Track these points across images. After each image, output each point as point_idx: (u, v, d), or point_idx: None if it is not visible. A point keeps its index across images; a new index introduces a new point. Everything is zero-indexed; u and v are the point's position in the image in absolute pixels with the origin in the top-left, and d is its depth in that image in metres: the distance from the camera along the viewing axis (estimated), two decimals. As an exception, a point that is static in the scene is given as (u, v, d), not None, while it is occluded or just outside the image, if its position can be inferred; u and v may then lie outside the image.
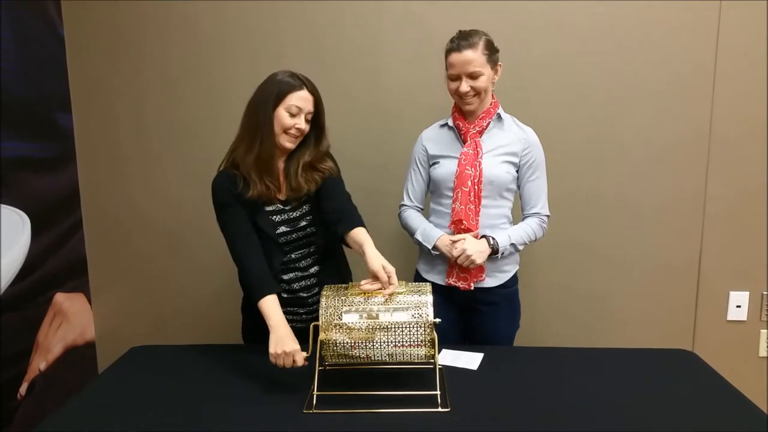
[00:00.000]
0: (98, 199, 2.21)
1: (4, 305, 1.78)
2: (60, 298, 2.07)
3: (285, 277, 1.53)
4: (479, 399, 1.29)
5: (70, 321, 2.14)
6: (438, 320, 1.28)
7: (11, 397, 1.83)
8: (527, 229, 1.66)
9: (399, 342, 1.27)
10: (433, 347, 1.28)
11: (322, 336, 1.28)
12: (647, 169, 2.12)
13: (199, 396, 1.32)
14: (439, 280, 1.69)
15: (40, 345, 1.96)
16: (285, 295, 1.52)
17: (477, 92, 1.59)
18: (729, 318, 2.20)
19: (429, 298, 1.30)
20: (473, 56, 1.55)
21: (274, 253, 1.49)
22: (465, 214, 1.61)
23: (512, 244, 1.62)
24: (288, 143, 1.46)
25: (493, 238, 1.60)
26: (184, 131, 2.16)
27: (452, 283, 1.65)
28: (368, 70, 2.10)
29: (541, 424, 1.19)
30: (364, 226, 1.48)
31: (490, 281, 1.68)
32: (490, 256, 1.60)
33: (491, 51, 1.59)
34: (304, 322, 1.54)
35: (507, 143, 1.65)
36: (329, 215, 1.51)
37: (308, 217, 1.54)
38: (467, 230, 1.61)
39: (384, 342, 1.27)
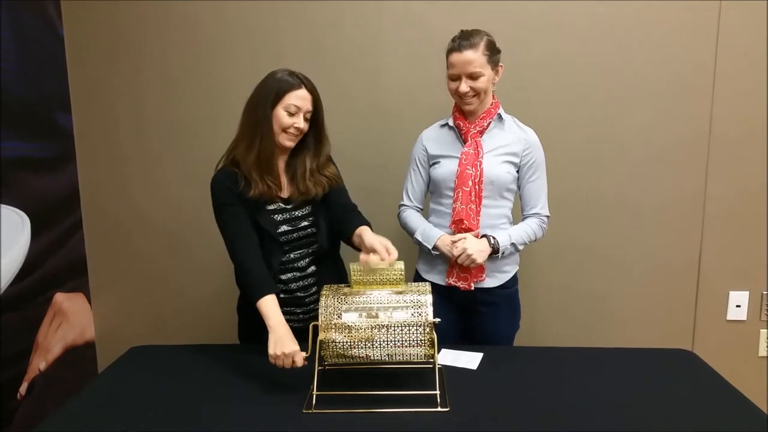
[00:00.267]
0: (98, 199, 2.21)
1: (4, 305, 1.78)
2: (60, 298, 2.07)
3: (283, 277, 1.53)
4: (479, 399, 1.29)
5: (70, 321, 2.14)
6: (437, 320, 1.28)
7: (11, 397, 1.83)
8: (527, 230, 1.66)
9: (398, 342, 1.27)
10: (433, 347, 1.28)
11: (321, 336, 1.28)
12: (647, 169, 2.12)
13: (199, 396, 1.32)
14: (439, 280, 1.69)
15: (39, 345, 1.96)
16: (283, 296, 1.52)
17: (476, 93, 1.59)
18: (729, 318, 2.20)
19: (429, 298, 1.30)
20: (474, 57, 1.55)
21: (273, 252, 1.49)
22: (466, 213, 1.61)
23: (512, 244, 1.62)
24: (287, 142, 1.46)
25: (493, 238, 1.60)
26: (184, 131, 2.16)
27: (452, 283, 1.65)
28: (368, 70, 2.10)
29: (541, 424, 1.19)
30: (370, 226, 1.49)
31: (490, 281, 1.68)
32: (490, 255, 1.60)
33: (492, 52, 1.59)
34: (301, 322, 1.55)
35: (507, 143, 1.65)
36: (336, 225, 1.54)
37: (310, 218, 1.54)
38: (468, 230, 1.61)
39: (383, 342, 1.27)
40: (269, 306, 1.37)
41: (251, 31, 2.09)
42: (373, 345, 1.27)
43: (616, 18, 2.04)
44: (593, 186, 2.14)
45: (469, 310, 1.72)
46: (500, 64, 1.63)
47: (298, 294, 1.56)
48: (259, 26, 2.09)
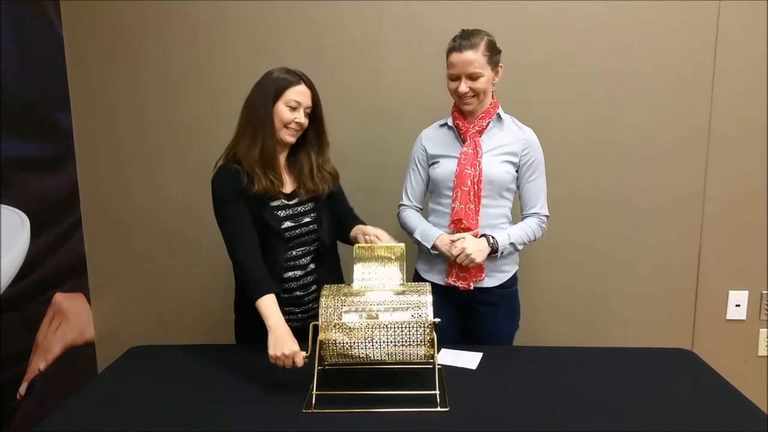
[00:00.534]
0: (98, 199, 2.21)
1: (4, 305, 1.78)
2: (59, 298, 2.07)
3: (285, 275, 1.53)
4: (479, 399, 1.30)
5: (70, 321, 2.14)
6: (437, 320, 1.28)
7: (11, 397, 1.83)
8: (527, 229, 1.66)
9: (398, 342, 1.27)
10: (433, 347, 1.28)
11: (321, 336, 1.28)
12: (647, 169, 2.12)
13: (199, 396, 1.32)
14: (439, 279, 1.69)
15: (39, 345, 1.96)
16: (283, 295, 1.53)
17: (476, 93, 1.59)
18: (728, 317, 2.20)
19: (429, 298, 1.30)
20: (474, 57, 1.55)
21: (278, 248, 1.50)
22: (465, 213, 1.61)
23: (512, 244, 1.62)
24: (289, 137, 1.48)
25: (492, 237, 1.60)
26: (184, 131, 2.16)
27: (451, 282, 1.65)
28: (368, 70, 2.10)
29: (541, 423, 1.19)
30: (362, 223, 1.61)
31: (490, 281, 1.68)
32: (489, 255, 1.60)
33: (492, 52, 1.59)
34: (300, 322, 1.55)
35: (506, 143, 1.65)
36: (340, 225, 1.63)
37: (312, 214, 1.56)
38: (467, 229, 1.61)
39: (383, 342, 1.27)
40: (268, 306, 1.37)
41: (251, 31, 2.09)
42: (373, 345, 1.27)
43: (615, 18, 2.04)
44: (593, 186, 2.14)
45: (469, 310, 1.72)
46: (500, 64, 1.63)
47: (298, 293, 1.56)
48: (259, 26, 2.09)
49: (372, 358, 1.28)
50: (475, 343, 1.70)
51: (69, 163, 2.15)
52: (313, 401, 1.25)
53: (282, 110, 1.44)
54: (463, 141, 1.66)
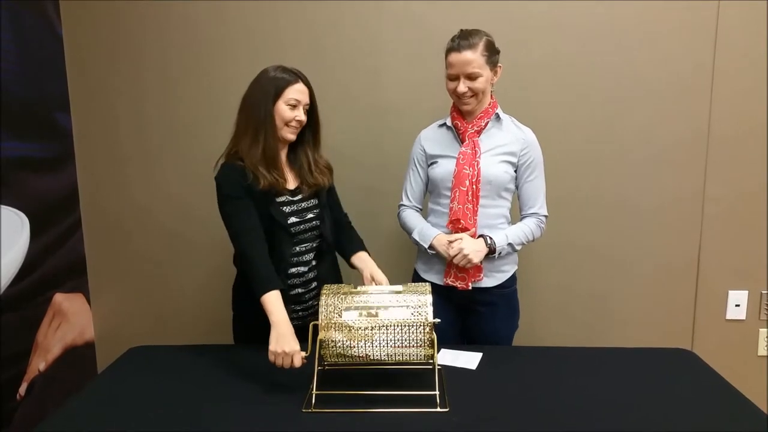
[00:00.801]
0: (97, 199, 2.21)
1: (4, 305, 1.78)
2: (59, 298, 2.07)
3: (291, 270, 1.55)
4: (478, 399, 1.30)
5: (70, 321, 2.14)
6: (437, 320, 1.28)
7: (11, 397, 1.83)
8: (525, 229, 1.66)
9: (398, 342, 1.27)
10: (432, 347, 1.28)
11: (321, 335, 1.28)
12: (646, 169, 2.12)
13: (199, 396, 1.32)
14: (437, 280, 1.69)
15: (39, 345, 1.96)
16: (290, 292, 1.54)
17: (474, 93, 1.59)
18: (728, 317, 2.20)
19: (428, 298, 1.30)
20: (472, 57, 1.55)
21: (285, 244, 1.51)
22: (463, 213, 1.61)
23: (509, 244, 1.62)
24: (290, 135, 1.51)
25: (490, 238, 1.60)
26: (184, 131, 2.16)
27: (450, 283, 1.65)
28: (368, 70, 2.10)
29: (541, 424, 1.19)
30: (362, 242, 1.66)
31: (489, 281, 1.68)
32: (487, 255, 1.60)
33: (491, 52, 1.59)
34: (300, 320, 1.56)
35: (505, 143, 1.65)
36: (336, 226, 1.65)
37: (315, 210, 1.58)
38: (465, 230, 1.61)
39: (383, 342, 1.27)
40: (273, 302, 1.38)
41: (251, 31, 2.09)
42: (372, 345, 1.27)
43: (615, 18, 2.04)
44: (593, 186, 2.14)
45: (468, 310, 1.72)
46: (499, 64, 1.63)
47: (299, 290, 1.57)
48: (259, 26, 2.09)
49: (372, 358, 1.29)
50: (475, 343, 1.70)
51: (69, 163, 2.15)
52: (313, 401, 1.25)
53: (283, 108, 1.47)
54: (461, 141, 1.66)
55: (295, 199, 1.55)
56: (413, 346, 1.27)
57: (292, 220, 1.53)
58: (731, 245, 2.15)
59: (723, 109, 2.08)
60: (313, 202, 1.59)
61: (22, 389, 1.87)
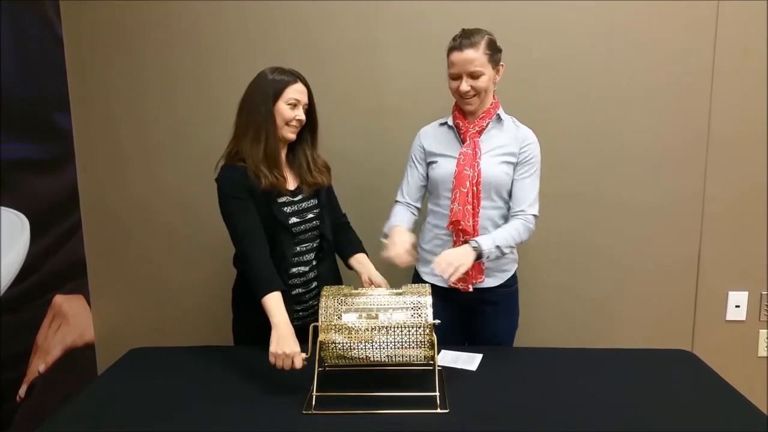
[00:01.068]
0: (97, 201, 2.21)
1: (4, 307, 1.77)
2: (59, 299, 2.07)
3: (292, 270, 1.55)
4: (478, 400, 1.30)
5: (70, 323, 2.14)
6: (437, 321, 1.28)
7: (11, 398, 1.83)
8: (512, 231, 1.60)
9: (398, 343, 1.27)
10: (433, 348, 1.28)
11: (321, 337, 1.28)
12: (646, 169, 2.12)
13: (199, 397, 1.32)
14: (440, 281, 1.68)
15: (39, 347, 1.96)
16: (291, 292, 1.54)
17: (477, 92, 1.59)
18: (728, 318, 2.20)
19: (428, 300, 1.30)
20: (474, 56, 1.55)
21: (286, 244, 1.52)
22: (463, 214, 1.60)
23: (497, 247, 1.56)
24: (290, 134, 1.53)
25: (475, 241, 1.55)
26: (184, 131, 2.16)
27: (452, 285, 1.65)
28: (368, 70, 2.10)
29: (541, 424, 1.19)
30: (364, 250, 1.67)
31: (491, 281, 1.67)
32: (477, 259, 1.55)
33: (493, 51, 1.58)
34: (301, 320, 1.56)
35: (505, 144, 1.65)
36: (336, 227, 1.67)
37: (315, 210, 1.59)
38: (464, 231, 1.60)
39: (383, 343, 1.27)
40: (274, 303, 1.38)
41: (250, 31, 2.09)
42: (372, 346, 1.27)
43: (615, 18, 2.04)
44: (593, 186, 2.14)
45: (470, 310, 1.72)
46: (501, 63, 1.62)
47: (300, 290, 1.58)
48: (258, 26, 2.09)
49: (372, 359, 1.29)
50: (476, 343, 1.70)
51: (69, 164, 2.15)
52: (313, 402, 1.25)
53: (283, 108, 1.49)
54: (462, 141, 1.66)
55: (295, 199, 1.56)
56: (413, 348, 1.27)
57: (293, 220, 1.54)
58: (731, 246, 2.15)
59: (723, 110, 2.08)
60: (313, 202, 1.59)
61: (22, 391, 1.87)
